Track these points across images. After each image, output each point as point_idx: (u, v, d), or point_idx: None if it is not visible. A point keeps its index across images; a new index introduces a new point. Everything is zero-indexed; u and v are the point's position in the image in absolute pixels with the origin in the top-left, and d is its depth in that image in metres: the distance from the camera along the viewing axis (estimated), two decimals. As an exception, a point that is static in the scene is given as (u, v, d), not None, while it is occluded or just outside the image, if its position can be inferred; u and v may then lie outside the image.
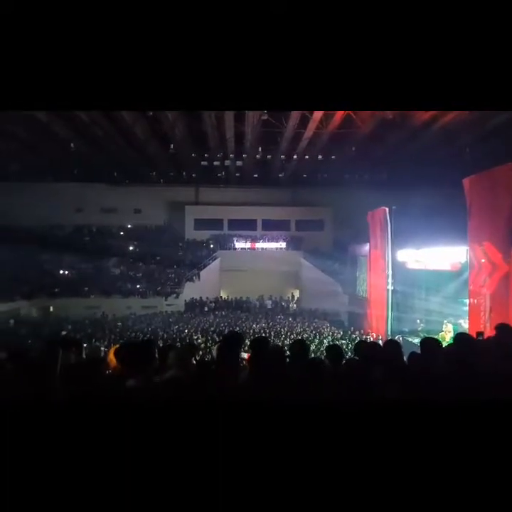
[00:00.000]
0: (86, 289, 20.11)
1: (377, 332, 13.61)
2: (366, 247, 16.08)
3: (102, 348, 9.26)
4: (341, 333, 14.35)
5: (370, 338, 12.40)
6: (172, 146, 18.67)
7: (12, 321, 16.75)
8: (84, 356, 3.07)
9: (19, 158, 19.93)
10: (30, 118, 14.65)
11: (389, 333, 12.88)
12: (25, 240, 22.45)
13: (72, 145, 17.90)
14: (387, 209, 13.92)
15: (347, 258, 19.53)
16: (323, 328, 15.06)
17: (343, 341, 12.42)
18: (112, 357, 2.72)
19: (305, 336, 13.27)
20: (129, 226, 26.25)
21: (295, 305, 22.68)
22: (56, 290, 19.79)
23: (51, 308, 19.32)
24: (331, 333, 14.09)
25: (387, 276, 13.66)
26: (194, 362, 2.64)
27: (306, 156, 19.75)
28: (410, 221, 13.55)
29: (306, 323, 16.28)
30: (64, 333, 13.61)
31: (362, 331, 14.54)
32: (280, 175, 23.45)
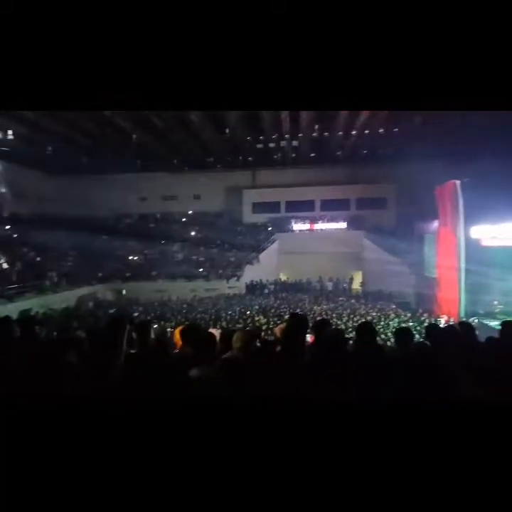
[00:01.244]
0: (154, 273, 21.32)
1: (448, 314, 12.77)
2: (435, 224, 15.06)
3: (169, 329, 9.77)
4: (409, 315, 13.69)
5: (441, 321, 11.68)
6: (227, 130, 18.76)
7: (91, 304, 18.34)
8: (152, 336, 3.21)
9: (91, 152, 21.37)
10: (97, 113, 15.58)
11: (462, 315, 12.02)
12: (99, 228, 24.40)
13: (134, 137, 18.76)
14: (458, 182, 12.83)
15: (413, 237, 18.45)
16: (389, 311, 14.47)
17: (411, 324, 11.84)
18: (177, 337, 2.82)
19: (369, 318, 12.86)
20: (190, 212, 27.18)
21: (360, 286, 22.01)
22: (127, 274, 21.25)
23: (124, 292, 20.83)
24: (397, 316, 13.51)
25: (459, 254, 12.66)
26: (258, 344, 2.63)
27: (366, 131, 18.72)
28: (485, 194, 12.33)
29: (370, 305, 15.76)
30: (136, 314, 14.59)
31: (431, 314, 13.74)
32: (338, 153, 22.56)
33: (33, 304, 15.20)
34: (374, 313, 13.90)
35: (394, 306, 15.45)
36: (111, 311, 15.85)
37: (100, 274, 20.94)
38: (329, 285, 21.64)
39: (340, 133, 19.13)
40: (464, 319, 10.68)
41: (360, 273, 22.90)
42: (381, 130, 18.34)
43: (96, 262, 22.09)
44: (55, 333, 4.34)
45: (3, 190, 22.88)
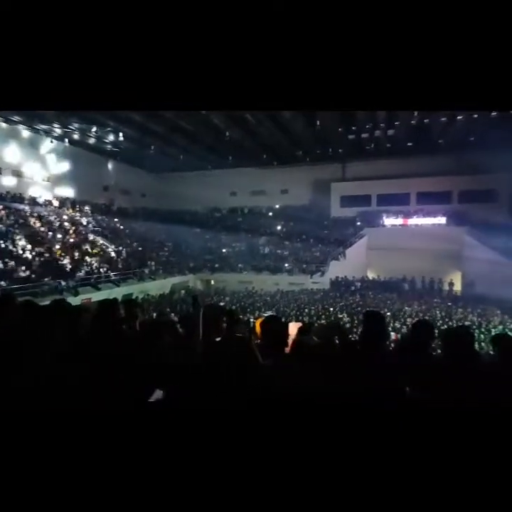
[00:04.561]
0: (240, 265, 22.10)
1: None
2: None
3: (252, 319, 10.03)
4: (518, 323, 12.04)
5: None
6: (318, 122, 18.39)
7: (183, 292, 19.74)
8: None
9: (187, 150, 22.87)
10: (194, 112, 16.57)
11: None
12: (192, 221, 26.17)
13: (227, 134, 19.50)
14: None
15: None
16: (492, 317, 12.88)
17: (520, 334, 10.38)
18: (258, 328, 2.85)
19: (467, 322, 11.62)
20: (277, 206, 27.53)
21: (458, 288, 19.95)
22: (216, 266, 22.39)
23: (212, 282, 22.02)
24: (501, 323, 11.97)
25: None
26: (337, 341, 2.54)
27: (475, 115, 16.74)
28: None
29: (469, 309, 14.22)
30: (222, 304, 15.30)
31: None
32: (440, 140, 20.60)
33: (135, 289, 16.93)
34: (473, 318, 12.53)
35: (499, 312, 13.69)
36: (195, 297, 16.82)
37: (192, 265, 22.41)
38: (422, 285, 20.07)
39: (444, 119, 17.44)
40: None
41: (459, 274, 20.76)
42: (494, 113, 16.19)
43: (188, 253, 23.75)
44: (152, 316, 4.78)
45: (113, 184, 25.80)
